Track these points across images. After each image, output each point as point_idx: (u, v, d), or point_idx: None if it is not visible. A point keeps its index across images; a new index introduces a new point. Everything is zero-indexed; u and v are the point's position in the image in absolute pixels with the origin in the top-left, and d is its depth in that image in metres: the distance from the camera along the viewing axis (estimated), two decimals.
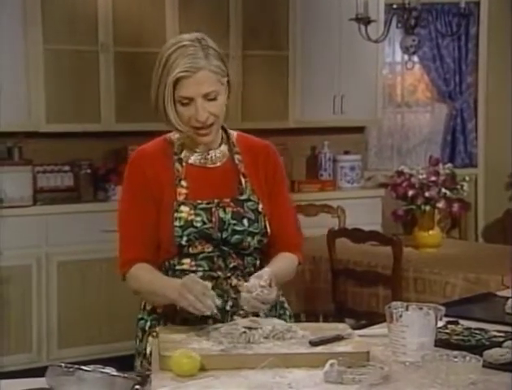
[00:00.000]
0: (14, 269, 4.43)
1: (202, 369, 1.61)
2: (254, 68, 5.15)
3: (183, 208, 1.93)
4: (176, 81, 1.88)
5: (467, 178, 4.16)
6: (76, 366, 1.52)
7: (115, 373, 1.52)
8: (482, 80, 6.13)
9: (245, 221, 1.95)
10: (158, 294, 1.92)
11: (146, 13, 4.86)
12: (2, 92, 4.46)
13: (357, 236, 3.82)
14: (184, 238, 1.91)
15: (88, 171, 4.85)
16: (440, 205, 4.02)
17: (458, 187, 4.06)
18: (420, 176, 4.04)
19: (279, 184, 2.05)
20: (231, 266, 1.95)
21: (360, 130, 5.96)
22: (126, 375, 1.53)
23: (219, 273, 1.94)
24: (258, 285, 1.81)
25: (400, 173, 4.14)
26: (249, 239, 1.95)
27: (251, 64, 5.12)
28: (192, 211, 1.93)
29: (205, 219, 1.92)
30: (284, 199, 2.06)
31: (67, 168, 4.84)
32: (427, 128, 6.27)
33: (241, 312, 1.90)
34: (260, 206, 1.97)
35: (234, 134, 2.06)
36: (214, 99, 1.90)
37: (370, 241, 3.89)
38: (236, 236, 1.93)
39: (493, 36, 6.04)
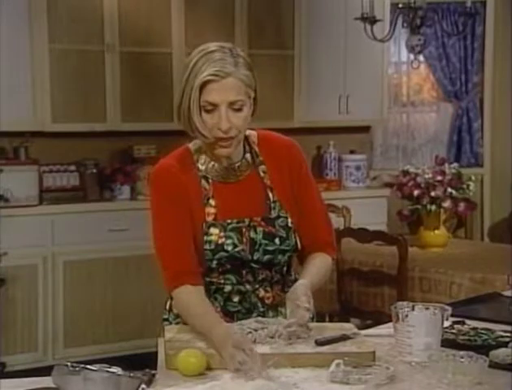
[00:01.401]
0: (20, 268, 4.44)
1: (208, 368, 1.61)
2: (260, 68, 5.07)
3: (212, 230, 1.87)
4: (203, 86, 1.79)
5: (473, 177, 4.15)
6: (82, 366, 1.52)
7: (121, 372, 1.52)
8: (488, 79, 6.12)
9: (277, 240, 1.91)
10: (202, 333, 1.77)
11: (152, 13, 4.86)
12: (8, 91, 4.47)
13: (363, 235, 3.82)
14: (215, 262, 1.87)
15: (94, 170, 4.86)
16: (446, 204, 4.01)
17: (464, 186, 4.05)
18: (426, 176, 4.04)
19: (304, 184, 1.99)
20: (259, 278, 1.92)
21: (365, 130, 5.95)
22: (132, 375, 1.52)
23: (248, 286, 1.91)
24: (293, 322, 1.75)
25: (405, 173, 4.13)
26: (279, 256, 1.92)
27: (256, 63, 5.02)
28: (222, 233, 1.87)
29: (236, 241, 1.87)
30: (312, 199, 2.00)
31: (72, 168, 4.84)
32: (432, 128, 6.26)
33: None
34: (289, 221, 1.93)
35: (255, 137, 1.99)
36: (240, 110, 1.82)
37: (376, 241, 3.89)
38: (267, 256, 1.90)
39: (499, 35, 6.03)
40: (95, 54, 4.74)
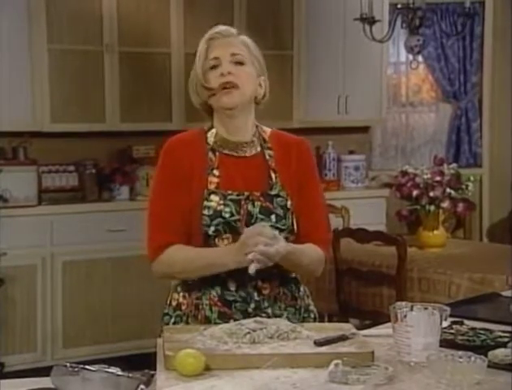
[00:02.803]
0: (19, 269, 4.44)
1: (207, 369, 1.61)
2: None
3: (213, 197, 1.94)
4: (209, 46, 1.97)
5: (472, 178, 4.15)
6: (81, 366, 1.52)
7: (120, 373, 1.52)
8: (487, 79, 6.12)
9: (273, 217, 1.95)
10: (213, 264, 1.91)
11: (151, 13, 4.86)
12: (7, 91, 4.47)
13: (362, 235, 3.82)
14: (212, 228, 1.92)
15: (93, 170, 4.86)
16: (445, 205, 4.02)
17: (463, 187, 4.06)
18: (425, 176, 4.04)
19: (309, 180, 2.04)
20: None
21: (364, 130, 5.95)
22: (131, 375, 1.53)
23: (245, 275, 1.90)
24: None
25: (404, 173, 4.14)
26: None
27: None
28: (221, 201, 1.94)
29: (233, 211, 1.93)
30: (314, 195, 2.05)
31: (71, 168, 4.84)
32: (431, 128, 6.26)
33: (263, 315, 1.90)
34: (289, 203, 1.98)
35: (268, 131, 2.08)
36: (242, 64, 1.97)
37: (375, 241, 3.89)
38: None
39: (498, 35, 6.03)
40: (94, 54, 4.74)
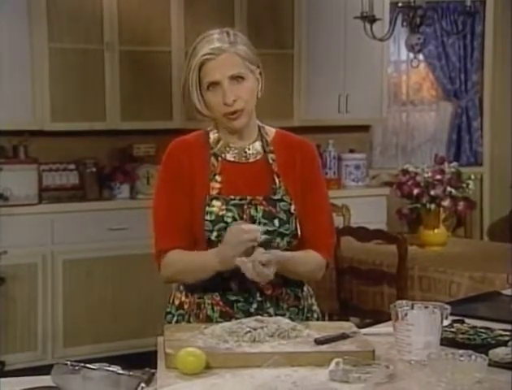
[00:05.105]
0: (19, 267, 4.45)
1: (208, 367, 1.61)
2: None
3: (215, 203, 1.93)
4: (202, 66, 1.90)
5: (473, 176, 4.15)
6: (82, 365, 1.52)
7: (121, 371, 1.52)
8: (487, 78, 6.12)
9: (276, 221, 1.94)
10: (200, 266, 1.92)
11: (151, 12, 4.86)
12: (8, 90, 4.47)
13: (363, 234, 3.82)
14: (214, 233, 1.91)
15: (94, 169, 4.86)
16: (446, 203, 4.02)
17: (464, 185, 4.06)
18: (425, 175, 4.04)
19: (314, 183, 2.02)
20: None
21: (365, 129, 5.95)
22: (131, 374, 1.52)
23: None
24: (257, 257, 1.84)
25: (405, 171, 4.14)
26: (278, 239, 1.93)
27: None
28: (223, 207, 1.92)
29: (236, 216, 1.92)
30: (319, 198, 2.03)
31: (72, 167, 4.84)
32: (432, 127, 6.26)
33: (265, 315, 1.89)
34: (292, 207, 1.96)
35: (272, 131, 2.05)
36: (242, 80, 1.91)
37: (376, 240, 3.89)
38: (265, 236, 1.90)
39: (499, 34, 6.03)
40: (94, 52, 4.74)
